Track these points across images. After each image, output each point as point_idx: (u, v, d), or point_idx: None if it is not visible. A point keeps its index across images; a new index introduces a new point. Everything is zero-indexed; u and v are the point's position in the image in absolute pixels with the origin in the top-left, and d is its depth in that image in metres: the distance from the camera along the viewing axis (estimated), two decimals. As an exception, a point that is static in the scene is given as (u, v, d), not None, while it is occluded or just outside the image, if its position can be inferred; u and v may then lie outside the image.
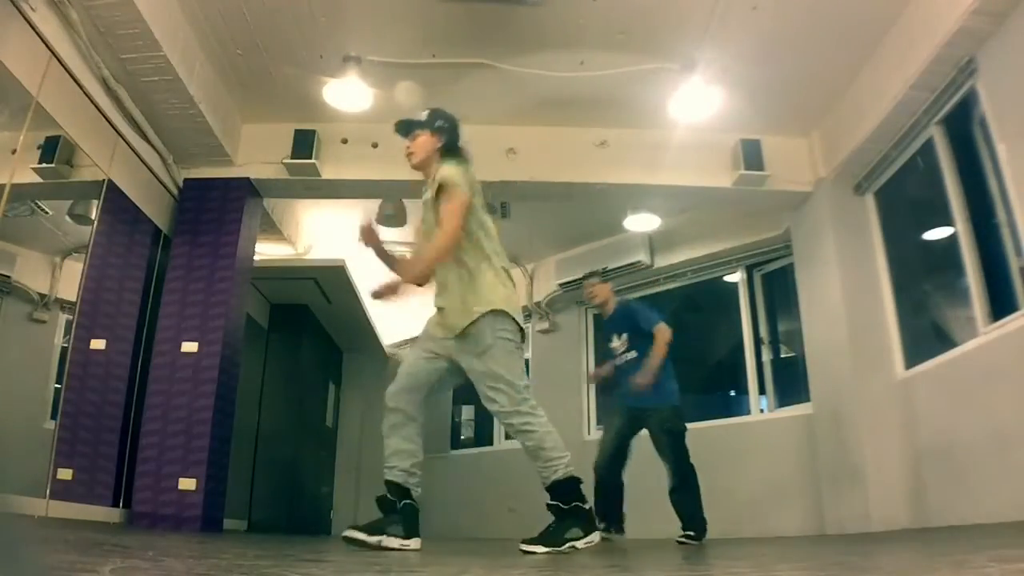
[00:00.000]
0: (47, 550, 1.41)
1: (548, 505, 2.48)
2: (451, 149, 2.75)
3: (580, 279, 6.67)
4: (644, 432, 4.13)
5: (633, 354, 4.13)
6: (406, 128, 2.78)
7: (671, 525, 3.96)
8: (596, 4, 3.97)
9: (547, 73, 4.41)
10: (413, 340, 2.70)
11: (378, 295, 2.69)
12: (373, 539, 2.43)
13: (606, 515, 3.93)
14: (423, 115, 2.79)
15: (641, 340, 4.08)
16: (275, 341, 7.43)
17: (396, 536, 2.45)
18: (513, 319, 2.57)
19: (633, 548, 3.35)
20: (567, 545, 2.38)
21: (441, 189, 2.57)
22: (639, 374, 3.95)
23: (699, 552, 2.81)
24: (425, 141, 2.74)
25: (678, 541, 3.82)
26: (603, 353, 4.51)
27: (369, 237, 2.77)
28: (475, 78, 4.54)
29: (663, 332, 4.02)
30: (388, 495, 2.55)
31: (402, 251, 2.92)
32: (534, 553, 2.33)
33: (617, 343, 4.25)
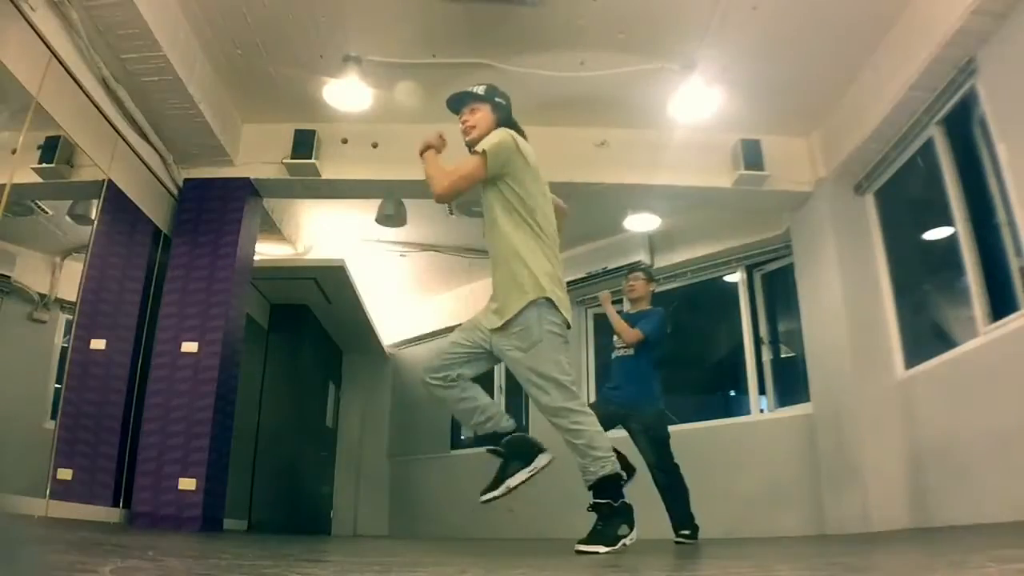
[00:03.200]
0: (47, 550, 1.41)
1: (595, 504, 2.47)
2: (508, 125, 2.70)
3: (580, 279, 6.71)
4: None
5: (631, 352, 4.13)
6: (461, 101, 2.72)
7: (664, 524, 3.95)
8: (596, 4, 3.97)
9: (547, 73, 4.41)
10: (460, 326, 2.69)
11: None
12: (500, 489, 2.46)
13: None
14: (479, 89, 2.73)
15: (648, 345, 4.07)
16: (275, 341, 7.43)
17: (518, 471, 2.48)
18: (560, 312, 2.53)
19: (632, 548, 3.35)
20: (620, 543, 2.41)
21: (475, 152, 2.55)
22: (604, 297, 4.14)
23: (699, 552, 2.81)
24: (485, 116, 2.69)
25: (676, 541, 3.82)
26: (607, 348, 4.47)
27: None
28: (475, 78, 4.51)
29: (636, 333, 4.04)
30: (494, 446, 2.58)
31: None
32: (596, 553, 2.34)
33: (618, 339, 4.25)
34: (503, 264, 2.56)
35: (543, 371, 2.48)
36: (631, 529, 2.45)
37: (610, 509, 2.44)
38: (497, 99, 2.73)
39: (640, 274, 4.37)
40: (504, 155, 2.54)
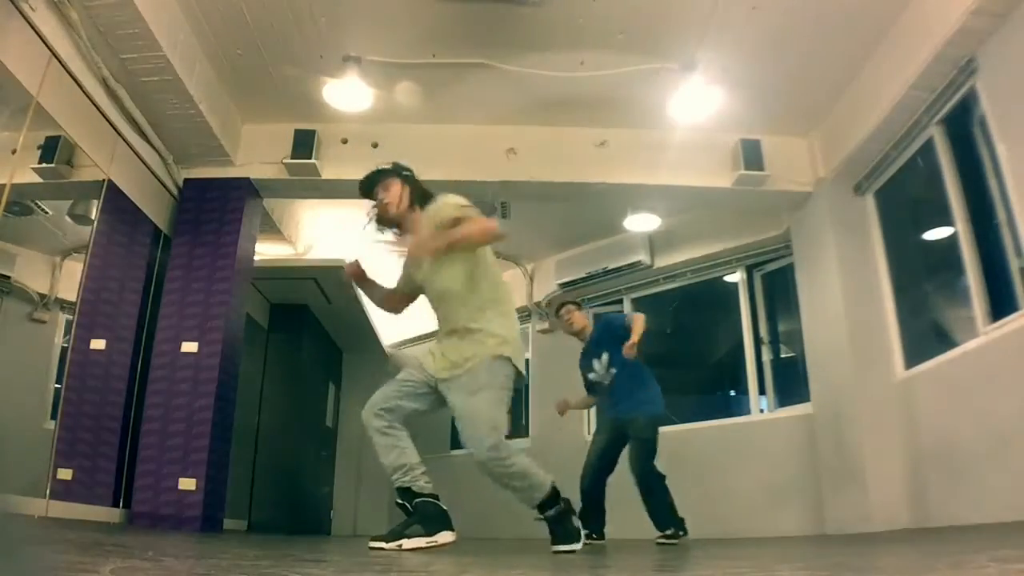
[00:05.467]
0: (47, 550, 1.41)
1: (547, 516, 2.59)
2: (423, 194, 2.74)
3: (580, 279, 6.71)
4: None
5: (614, 371, 4.11)
6: (371, 182, 2.75)
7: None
8: (596, 4, 3.97)
9: (547, 73, 4.41)
10: (401, 366, 2.73)
11: (351, 274, 2.78)
12: (392, 545, 2.42)
13: (589, 523, 3.92)
14: (385, 165, 2.78)
15: (619, 351, 3.95)
16: (275, 341, 7.43)
17: (418, 536, 2.45)
18: (517, 368, 2.62)
19: (632, 548, 3.35)
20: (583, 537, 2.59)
21: (458, 221, 2.55)
22: (625, 349, 3.85)
23: (699, 552, 2.81)
24: (397, 189, 2.72)
25: (657, 543, 3.82)
26: (586, 385, 4.42)
27: (355, 272, 2.86)
28: (475, 78, 4.54)
29: (640, 318, 3.98)
30: (404, 501, 2.55)
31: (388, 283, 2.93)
32: (573, 551, 2.50)
33: (598, 366, 4.19)
34: (469, 314, 2.62)
35: (488, 415, 2.55)
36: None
37: (559, 512, 2.57)
38: (404, 172, 2.78)
39: (570, 307, 4.34)
40: (463, 201, 2.64)
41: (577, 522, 2.61)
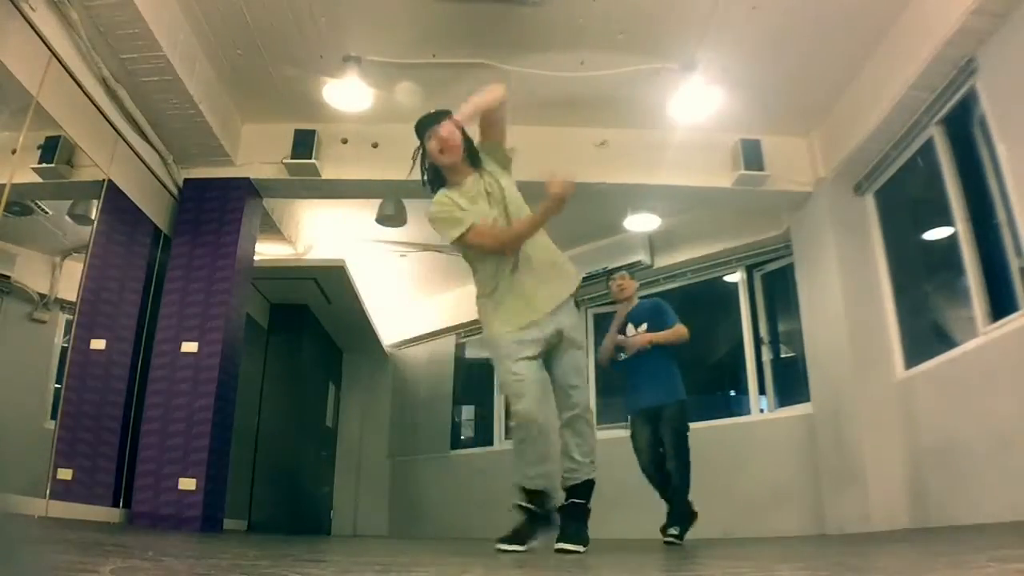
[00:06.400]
0: (47, 550, 1.41)
1: (575, 504, 2.59)
2: (474, 153, 2.79)
3: (581, 279, 6.70)
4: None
5: (647, 348, 4.13)
6: (432, 120, 2.74)
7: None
8: (596, 4, 3.97)
9: (547, 73, 4.41)
10: (510, 348, 2.64)
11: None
12: (524, 548, 2.48)
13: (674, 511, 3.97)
14: (446, 110, 2.78)
15: (658, 330, 4.11)
16: (275, 341, 7.43)
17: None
18: None
19: (632, 548, 3.35)
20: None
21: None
22: (638, 339, 4.03)
23: (699, 552, 2.81)
24: (460, 136, 2.74)
25: (666, 542, 3.79)
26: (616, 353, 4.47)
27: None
28: (475, 78, 4.53)
29: (684, 330, 4.11)
30: (530, 504, 2.58)
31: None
32: (579, 552, 2.46)
33: (633, 333, 4.23)
34: (549, 258, 2.80)
35: (584, 351, 2.72)
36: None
37: (584, 511, 2.60)
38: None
39: (625, 273, 4.48)
40: None
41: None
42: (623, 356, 4.22)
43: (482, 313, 2.75)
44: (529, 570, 1.54)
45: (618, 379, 4.38)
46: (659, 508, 3.99)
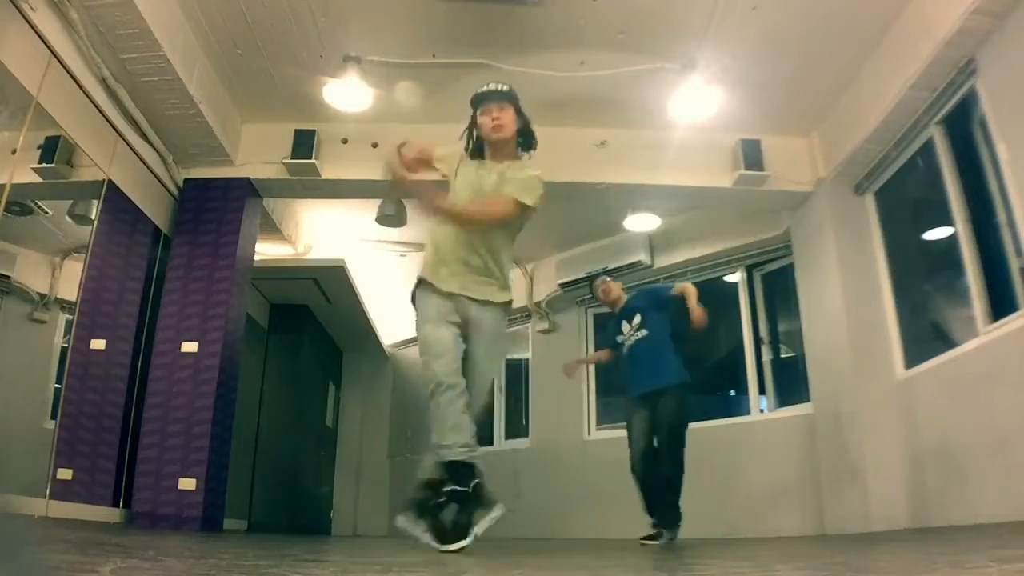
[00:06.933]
0: (47, 550, 1.41)
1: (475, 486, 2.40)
2: (528, 137, 2.75)
3: (581, 279, 6.71)
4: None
5: (644, 332, 4.12)
6: (492, 97, 2.67)
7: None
8: (596, 4, 3.97)
9: (547, 73, 4.41)
10: (425, 312, 2.57)
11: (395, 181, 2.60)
12: (468, 539, 2.28)
13: (654, 513, 3.95)
14: (507, 87, 2.71)
15: (654, 317, 4.11)
16: (275, 341, 7.44)
17: (484, 517, 2.33)
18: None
19: (632, 548, 3.35)
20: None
21: (523, 188, 2.54)
22: (694, 315, 3.90)
23: (699, 552, 2.81)
24: (512, 118, 2.68)
25: (645, 540, 3.76)
26: (613, 347, 4.43)
27: (410, 165, 2.61)
28: (475, 78, 4.49)
29: (689, 287, 4.05)
30: (449, 479, 2.35)
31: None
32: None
33: (627, 328, 4.22)
34: (505, 259, 2.68)
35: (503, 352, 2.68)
36: None
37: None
38: (520, 104, 2.76)
39: (606, 277, 4.49)
40: (542, 189, 2.62)
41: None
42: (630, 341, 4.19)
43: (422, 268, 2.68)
44: (529, 571, 1.54)
45: (618, 377, 4.37)
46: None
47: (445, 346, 2.49)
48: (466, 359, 2.56)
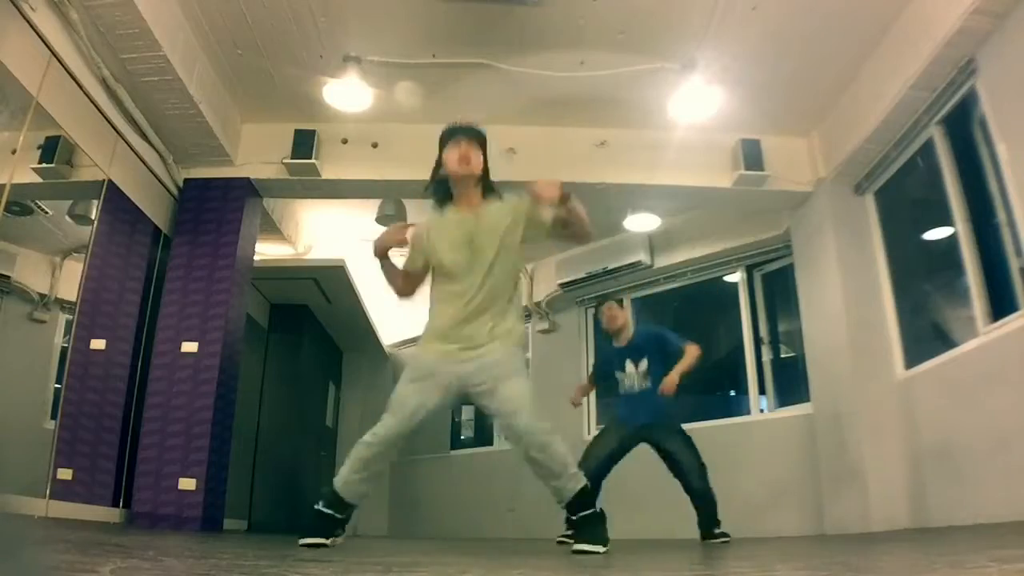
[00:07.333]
0: (47, 550, 1.41)
1: (578, 518, 2.46)
2: (488, 183, 2.67)
3: (581, 279, 6.71)
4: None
5: (648, 384, 3.98)
6: (469, 133, 2.62)
7: (674, 525, 3.94)
8: (596, 4, 3.97)
9: (547, 73, 4.41)
10: (415, 370, 2.57)
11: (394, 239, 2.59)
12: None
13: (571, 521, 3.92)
14: (478, 127, 2.66)
15: (661, 365, 3.94)
16: (275, 341, 7.43)
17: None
18: None
19: (633, 548, 3.35)
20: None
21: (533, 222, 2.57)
22: (666, 381, 3.81)
23: (699, 552, 2.81)
24: (480, 159, 2.61)
25: (722, 541, 3.71)
26: (603, 379, 4.34)
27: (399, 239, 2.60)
28: (475, 78, 4.54)
29: (695, 349, 3.94)
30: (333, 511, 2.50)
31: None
32: (596, 553, 2.35)
33: (632, 370, 4.07)
34: (508, 302, 2.60)
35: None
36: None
37: (592, 518, 2.45)
38: (487, 150, 2.68)
39: (613, 303, 4.26)
40: None
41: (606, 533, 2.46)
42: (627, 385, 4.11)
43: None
44: (529, 571, 1.54)
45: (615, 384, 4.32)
46: (669, 508, 3.94)
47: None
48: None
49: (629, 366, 4.09)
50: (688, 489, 3.90)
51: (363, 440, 2.49)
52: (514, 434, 2.44)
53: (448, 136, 2.63)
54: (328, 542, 2.45)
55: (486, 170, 2.65)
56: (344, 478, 2.49)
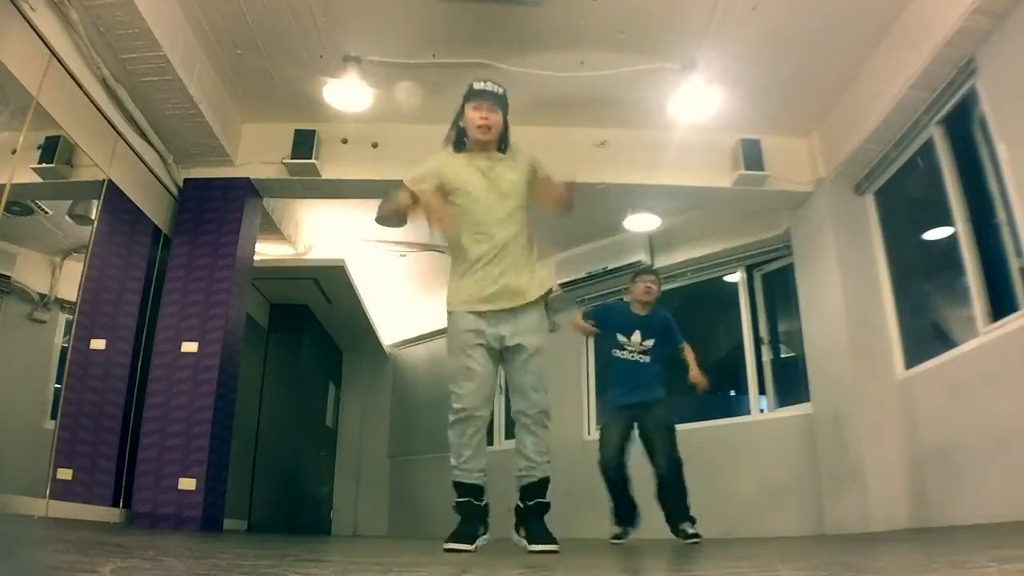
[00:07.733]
0: (47, 550, 1.41)
1: (536, 504, 2.66)
2: (506, 141, 2.82)
3: (581, 279, 6.71)
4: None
5: (647, 359, 4.11)
6: (487, 96, 2.75)
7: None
8: (596, 4, 3.97)
9: (547, 73, 4.41)
10: (458, 338, 2.70)
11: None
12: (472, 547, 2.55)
13: (622, 516, 4.01)
14: (501, 90, 2.80)
15: (662, 350, 4.13)
16: (275, 341, 7.44)
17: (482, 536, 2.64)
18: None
19: (632, 548, 3.35)
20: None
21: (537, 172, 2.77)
22: (698, 377, 4.07)
23: (699, 552, 2.81)
24: (499, 122, 2.77)
25: (691, 541, 3.73)
26: (605, 341, 4.36)
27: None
28: (475, 78, 4.53)
29: (689, 349, 4.17)
30: (468, 498, 2.66)
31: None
32: (555, 552, 2.47)
33: (638, 340, 4.15)
34: (528, 255, 2.78)
35: (545, 360, 2.72)
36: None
37: (543, 508, 2.68)
38: (508, 111, 2.83)
39: (654, 276, 4.28)
40: None
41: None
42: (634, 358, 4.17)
43: (448, 294, 2.77)
44: (528, 570, 1.54)
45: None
46: (657, 508, 3.96)
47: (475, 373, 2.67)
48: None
49: (636, 336, 4.16)
50: (657, 475, 3.94)
51: (450, 422, 2.67)
52: (530, 405, 2.67)
53: (472, 96, 2.77)
54: (472, 548, 2.53)
55: (506, 129, 2.80)
56: (454, 465, 2.69)
